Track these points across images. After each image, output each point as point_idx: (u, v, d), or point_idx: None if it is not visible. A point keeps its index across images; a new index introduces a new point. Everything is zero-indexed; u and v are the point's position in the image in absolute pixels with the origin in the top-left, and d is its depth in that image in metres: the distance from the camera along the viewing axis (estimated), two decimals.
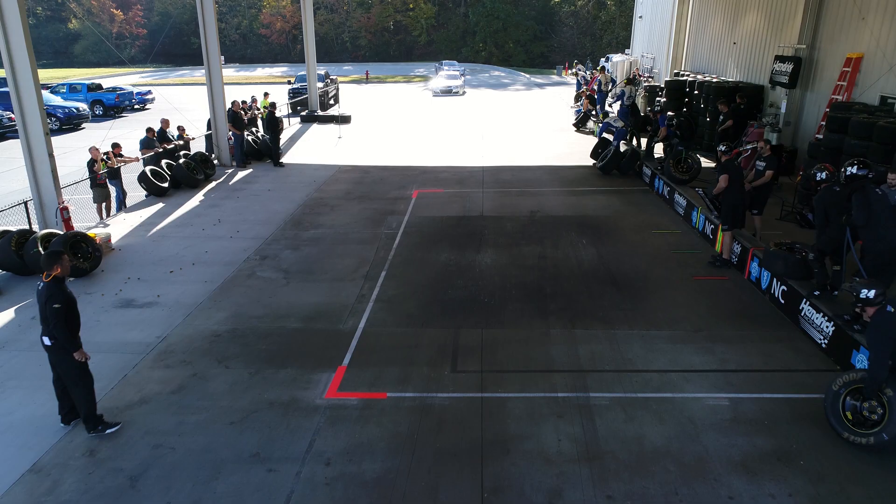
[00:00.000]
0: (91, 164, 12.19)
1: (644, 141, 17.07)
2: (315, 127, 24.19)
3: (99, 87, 32.10)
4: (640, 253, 10.35)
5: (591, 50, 60.40)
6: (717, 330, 7.73)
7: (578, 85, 32.55)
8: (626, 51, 49.48)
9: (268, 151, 17.24)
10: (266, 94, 22.00)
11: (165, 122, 15.19)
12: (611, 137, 17.14)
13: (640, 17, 33.51)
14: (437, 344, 7.44)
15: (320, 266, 9.89)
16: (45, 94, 28.38)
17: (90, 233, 10.21)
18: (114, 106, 30.88)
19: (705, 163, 14.28)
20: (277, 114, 22.57)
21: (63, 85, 31.88)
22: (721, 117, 15.29)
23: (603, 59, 50.94)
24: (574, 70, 35.69)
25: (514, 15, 63.32)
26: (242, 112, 19.33)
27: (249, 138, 17.64)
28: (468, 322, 7.98)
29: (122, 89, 32.87)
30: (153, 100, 34.33)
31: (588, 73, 33.24)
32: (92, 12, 72.24)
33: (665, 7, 26.96)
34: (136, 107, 32.82)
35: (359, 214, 12.61)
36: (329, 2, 70.08)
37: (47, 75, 53.28)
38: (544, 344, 7.44)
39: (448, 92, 37.77)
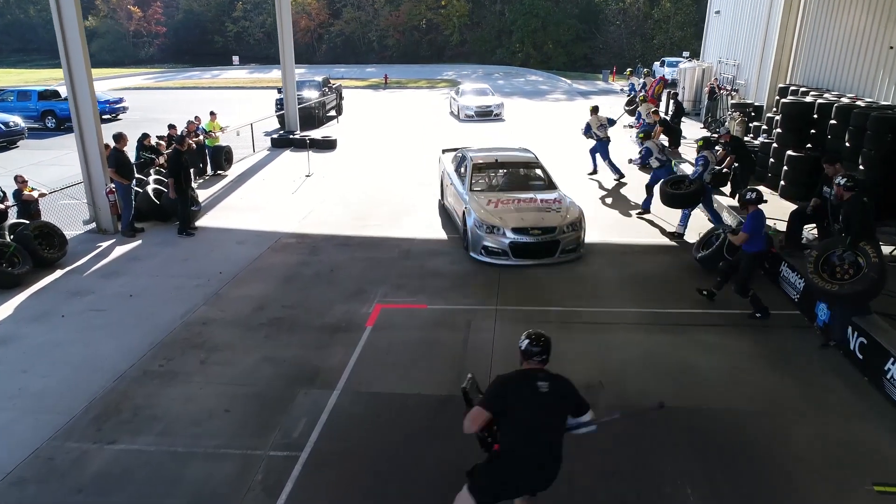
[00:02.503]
0: None
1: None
2: (287, 155, 18.07)
3: (55, 94, 26.88)
4: None
5: (642, 52, 53.15)
6: None
7: (634, 92, 25.81)
8: (684, 54, 42.20)
9: (174, 210, 11.24)
10: (213, 114, 16.06)
11: None
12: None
13: (717, 11, 26.61)
14: None
15: None
16: None
17: None
18: (69, 117, 25.50)
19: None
20: (231, 136, 15.40)
21: (12, 92, 26.77)
22: None
23: (658, 64, 43.43)
24: (642, 72, 28.86)
25: (554, 13, 56.39)
26: (162, 143, 13.54)
27: (150, 188, 11.67)
28: None
29: None
30: (125, 109, 29.12)
31: (641, 79, 26.64)
32: (112, 9, 68.90)
33: None
34: (106, 117, 27.48)
35: (247, 379, 6.46)
36: None
37: (57, 75, 48.89)
38: None
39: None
